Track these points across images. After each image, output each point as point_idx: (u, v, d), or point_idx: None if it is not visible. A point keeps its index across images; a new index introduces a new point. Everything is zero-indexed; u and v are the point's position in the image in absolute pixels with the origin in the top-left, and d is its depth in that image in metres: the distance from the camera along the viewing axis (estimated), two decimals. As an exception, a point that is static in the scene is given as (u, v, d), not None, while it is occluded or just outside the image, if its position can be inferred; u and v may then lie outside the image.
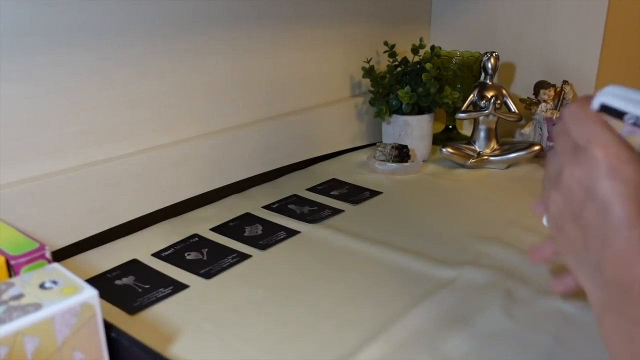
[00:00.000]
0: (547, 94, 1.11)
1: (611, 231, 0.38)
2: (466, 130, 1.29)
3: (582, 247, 0.41)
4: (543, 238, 0.79)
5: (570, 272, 0.43)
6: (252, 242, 0.79)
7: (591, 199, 0.39)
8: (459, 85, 1.18)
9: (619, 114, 0.40)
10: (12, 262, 0.52)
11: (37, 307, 0.42)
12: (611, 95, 0.41)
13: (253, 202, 0.91)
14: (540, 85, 1.13)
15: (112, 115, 0.78)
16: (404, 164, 1.04)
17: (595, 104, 0.41)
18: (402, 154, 1.04)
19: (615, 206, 0.38)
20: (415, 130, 1.08)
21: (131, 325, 0.60)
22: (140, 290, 0.67)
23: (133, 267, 0.72)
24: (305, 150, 1.06)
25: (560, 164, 0.42)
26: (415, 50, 1.10)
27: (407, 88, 1.05)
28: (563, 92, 1.12)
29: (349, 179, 1.02)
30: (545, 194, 0.45)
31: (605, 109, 0.41)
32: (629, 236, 0.37)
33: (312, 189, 0.97)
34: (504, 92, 1.09)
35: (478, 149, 1.09)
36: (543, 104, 1.12)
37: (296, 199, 0.93)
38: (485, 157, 1.07)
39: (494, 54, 1.07)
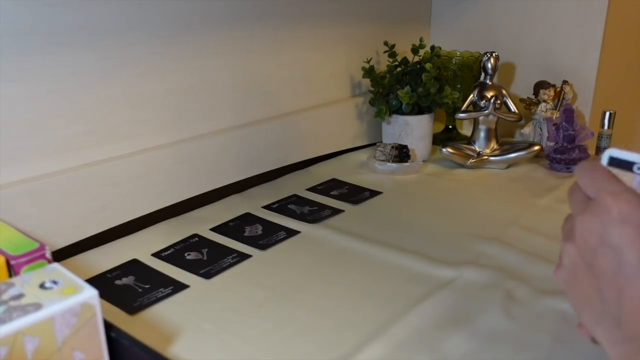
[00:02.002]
0: (547, 94, 1.11)
1: (626, 278, 0.38)
2: (466, 130, 1.29)
3: (598, 299, 0.40)
4: (542, 238, 0.79)
5: (587, 328, 0.42)
6: (252, 242, 0.79)
7: (604, 245, 0.39)
8: (459, 85, 1.18)
9: (628, 164, 0.41)
10: (12, 262, 0.52)
11: (37, 307, 0.42)
12: (618, 150, 0.42)
13: (253, 202, 0.91)
14: (540, 85, 1.13)
15: (112, 115, 0.78)
16: (404, 164, 1.04)
17: (604, 158, 0.42)
18: (402, 154, 1.04)
19: (628, 252, 0.38)
20: (415, 130, 1.08)
21: (131, 325, 0.60)
22: (140, 290, 0.67)
23: (133, 267, 0.72)
24: (305, 150, 1.06)
25: (573, 217, 0.43)
26: (415, 50, 1.10)
27: (407, 88, 1.05)
28: (563, 92, 1.12)
29: (349, 179, 1.02)
30: (561, 250, 0.44)
31: (614, 161, 0.42)
32: None
33: (312, 189, 0.97)
34: (504, 92, 1.09)
35: (478, 149, 1.09)
36: (543, 104, 1.12)
37: (296, 199, 0.93)
38: (485, 157, 1.07)
39: (494, 54, 1.07)
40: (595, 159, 0.43)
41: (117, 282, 0.69)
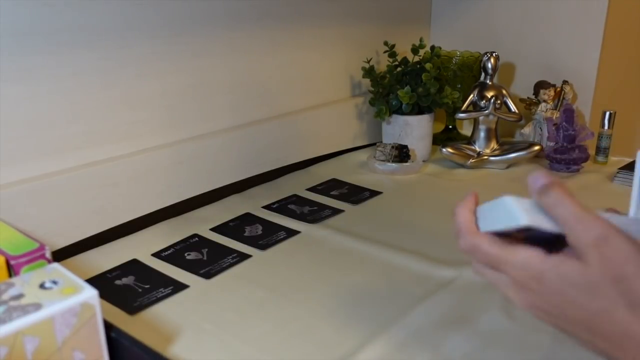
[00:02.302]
0: (547, 94, 1.11)
1: (590, 329, 0.38)
2: (466, 130, 1.29)
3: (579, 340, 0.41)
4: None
5: None
6: (252, 242, 0.79)
7: (558, 311, 0.40)
8: (459, 85, 1.18)
9: (507, 233, 0.43)
10: (12, 262, 0.52)
11: (37, 307, 0.42)
12: (485, 223, 0.45)
13: (253, 202, 0.91)
14: (540, 85, 1.13)
15: (112, 116, 0.78)
16: (404, 164, 1.04)
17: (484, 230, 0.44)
18: (402, 154, 1.04)
19: (570, 311, 0.38)
20: (415, 130, 1.08)
21: (131, 325, 0.60)
22: (140, 290, 0.67)
23: (133, 267, 0.72)
24: (305, 150, 1.06)
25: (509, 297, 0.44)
26: (415, 50, 1.10)
27: (407, 88, 1.05)
28: (563, 92, 1.12)
29: (349, 179, 1.02)
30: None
31: (496, 234, 0.43)
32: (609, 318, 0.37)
33: (312, 189, 0.97)
34: (504, 92, 1.09)
35: (478, 149, 1.09)
36: (543, 104, 1.12)
37: (296, 199, 0.93)
38: (485, 157, 1.07)
39: (494, 54, 1.07)
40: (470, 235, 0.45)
41: (117, 282, 0.69)
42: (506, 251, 0.41)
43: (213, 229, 0.82)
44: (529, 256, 0.40)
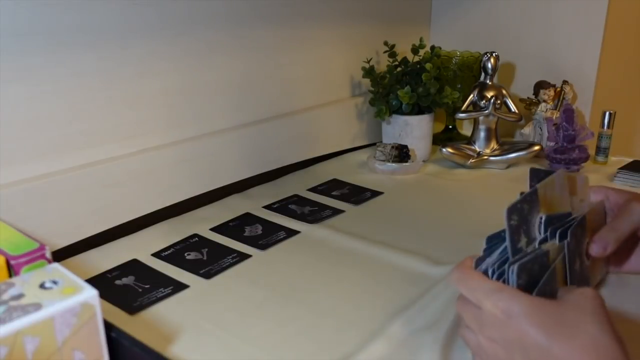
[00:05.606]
0: (547, 94, 1.11)
1: None
2: (466, 130, 1.29)
3: None
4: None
5: None
6: (252, 242, 0.79)
7: (515, 349, 0.43)
8: (459, 85, 1.18)
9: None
10: (12, 262, 0.52)
11: (37, 307, 0.42)
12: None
13: (253, 202, 0.91)
14: (540, 85, 1.13)
15: (112, 115, 0.78)
16: (404, 164, 1.04)
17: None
18: (402, 154, 1.04)
19: (536, 341, 0.42)
20: (415, 130, 1.08)
21: (131, 325, 0.60)
22: (140, 290, 0.67)
23: (133, 267, 0.72)
24: (305, 150, 1.06)
25: (474, 334, 0.47)
26: (415, 50, 1.10)
27: (407, 88, 1.05)
28: (563, 92, 1.12)
29: (350, 179, 1.02)
30: None
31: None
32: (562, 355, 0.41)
33: (313, 189, 0.97)
34: (504, 92, 1.09)
35: (478, 149, 1.09)
36: (543, 104, 1.12)
37: (297, 199, 0.93)
38: (485, 157, 1.07)
39: (494, 54, 1.07)
40: (468, 262, 0.51)
41: (117, 282, 0.69)
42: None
43: (213, 229, 0.82)
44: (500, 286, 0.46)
